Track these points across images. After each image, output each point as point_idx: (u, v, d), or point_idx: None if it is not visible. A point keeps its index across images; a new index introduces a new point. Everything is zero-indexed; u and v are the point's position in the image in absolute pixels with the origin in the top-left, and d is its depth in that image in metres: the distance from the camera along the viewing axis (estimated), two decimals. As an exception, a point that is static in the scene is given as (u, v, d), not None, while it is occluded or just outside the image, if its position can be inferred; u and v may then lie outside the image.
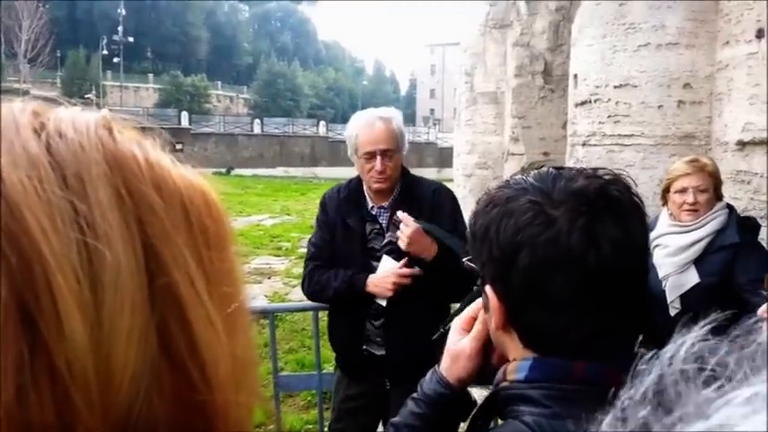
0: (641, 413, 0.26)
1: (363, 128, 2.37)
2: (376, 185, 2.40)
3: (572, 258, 0.75)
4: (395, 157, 2.36)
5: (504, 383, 0.82)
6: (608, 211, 0.77)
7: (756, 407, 0.22)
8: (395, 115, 2.43)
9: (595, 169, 0.84)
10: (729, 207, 2.54)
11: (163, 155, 0.35)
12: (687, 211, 2.50)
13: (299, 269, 9.31)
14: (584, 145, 3.59)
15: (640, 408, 0.26)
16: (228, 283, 0.35)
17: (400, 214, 2.29)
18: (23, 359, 0.26)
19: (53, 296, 0.27)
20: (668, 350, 0.29)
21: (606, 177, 0.82)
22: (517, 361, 0.82)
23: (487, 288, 0.83)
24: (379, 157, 2.34)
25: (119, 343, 0.29)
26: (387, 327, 2.39)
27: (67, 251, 0.28)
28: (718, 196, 2.54)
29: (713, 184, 2.50)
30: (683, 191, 2.50)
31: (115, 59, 54.76)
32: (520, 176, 0.85)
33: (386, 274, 2.34)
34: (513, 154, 6.69)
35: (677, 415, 0.25)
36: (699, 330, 0.29)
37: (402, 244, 2.28)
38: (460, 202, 2.66)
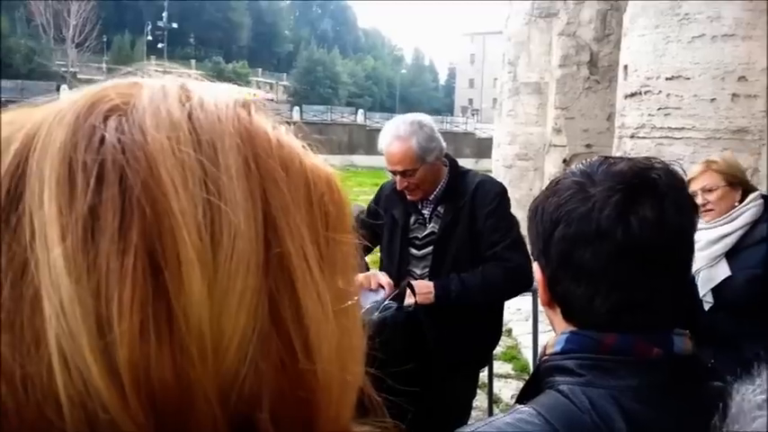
0: None
1: (384, 147, 2.41)
2: (408, 196, 2.48)
3: (601, 233, 0.80)
4: (417, 172, 2.38)
5: (545, 357, 0.88)
6: (643, 191, 0.81)
7: None
8: (415, 130, 2.36)
9: (648, 158, 0.88)
10: (766, 198, 2.48)
11: (295, 140, 0.38)
12: (702, 212, 2.46)
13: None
14: (632, 137, 3.53)
15: None
16: (342, 267, 0.37)
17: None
18: (147, 297, 0.29)
19: (177, 248, 0.30)
20: None
21: (651, 164, 0.85)
22: (556, 336, 0.88)
23: (535, 265, 0.90)
24: (398, 176, 2.41)
25: (231, 303, 0.30)
26: (438, 329, 2.39)
27: (194, 209, 0.30)
28: (744, 188, 2.47)
29: (724, 180, 2.44)
30: (694, 194, 2.47)
31: (159, 45, 55.66)
32: (575, 165, 0.91)
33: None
34: (554, 145, 6.61)
35: None
36: None
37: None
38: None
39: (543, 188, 0.93)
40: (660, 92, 3.34)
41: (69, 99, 0.34)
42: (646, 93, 3.42)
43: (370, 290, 2.35)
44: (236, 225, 0.31)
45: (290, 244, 0.33)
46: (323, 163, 0.38)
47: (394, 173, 2.43)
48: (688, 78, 3.24)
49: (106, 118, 0.32)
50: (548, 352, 0.88)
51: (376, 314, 2.24)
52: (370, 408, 0.41)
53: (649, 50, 3.37)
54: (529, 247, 0.92)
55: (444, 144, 2.46)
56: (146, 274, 0.29)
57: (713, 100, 3.19)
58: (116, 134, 0.31)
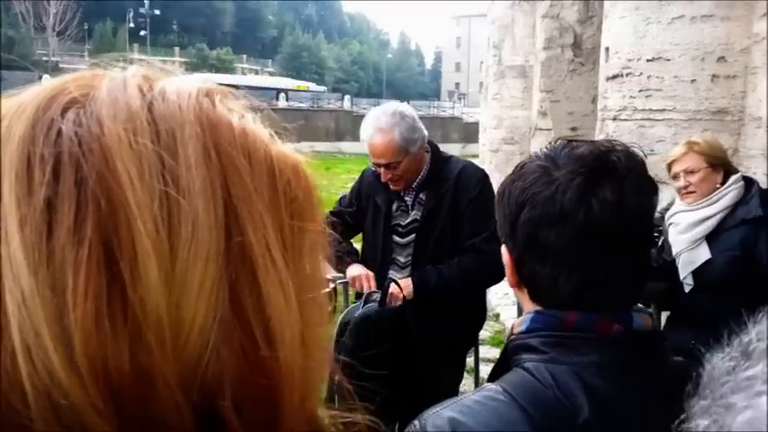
0: None
1: (366, 139, 2.39)
2: (392, 187, 2.46)
3: (564, 215, 0.83)
4: (401, 164, 2.37)
5: (512, 336, 0.91)
6: (603, 173, 0.84)
7: None
8: (397, 122, 2.33)
9: (609, 141, 0.90)
10: (747, 180, 2.49)
11: (262, 129, 0.38)
12: (685, 194, 2.48)
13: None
14: (614, 119, 3.55)
15: None
16: (309, 254, 0.37)
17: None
18: (101, 288, 0.29)
19: (133, 239, 0.30)
20: None
21: (611, 146, 0.88)
22: (523, 316, 0.91)
23: (503, 247, 0.93)
24: (382, 169, 2.40)
25: (190, 292, 0.31)
26: (420, 319, 2.40)
27: (150, 200, 0.31)
28: (725, 170, 2.48)
29: (706, 161, 2.44)
30: (676, 176, 2.49)
31: (142, 32, 55.03)
32: (539, 149, 0.94)
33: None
34: (540, 129, 6.62)
35: None
36: None
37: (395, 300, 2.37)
38: (487, 177, 2.65)
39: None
40: (641, 74, 3.36)
41: (31, 92, 0.35)
42: (627, 75, 3.43)
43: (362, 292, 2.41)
44: (195, 216, 0.31)
45: (252, 233, 0.33)
46: (290, 151, 0.39)
47: (377, 165, 2.41)
48: (668, 60, 3.25)
49: (64, 111, 0.32)
50: (515, 331, 0.91)
51: (359, 311, 2.27)
52: (340, 394, 0.41)
53: (630, 32, 3.38)
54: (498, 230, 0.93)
55: (426, 132, 2.45)
56: (100, 265, 0.29)
57: (693, 81, 3.21)
58: (73, 127, 0.31)
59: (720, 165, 2.48)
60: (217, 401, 0.32)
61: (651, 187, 0.88)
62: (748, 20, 3.10)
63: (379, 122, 2.34)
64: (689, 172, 2.45)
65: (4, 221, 0.30)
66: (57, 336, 0.29)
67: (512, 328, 0.93)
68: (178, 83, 0.36)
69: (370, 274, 2.46)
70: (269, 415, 0.34)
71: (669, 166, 2.52)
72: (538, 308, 0.89)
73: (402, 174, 2.40)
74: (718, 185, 2.46)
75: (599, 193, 0.82)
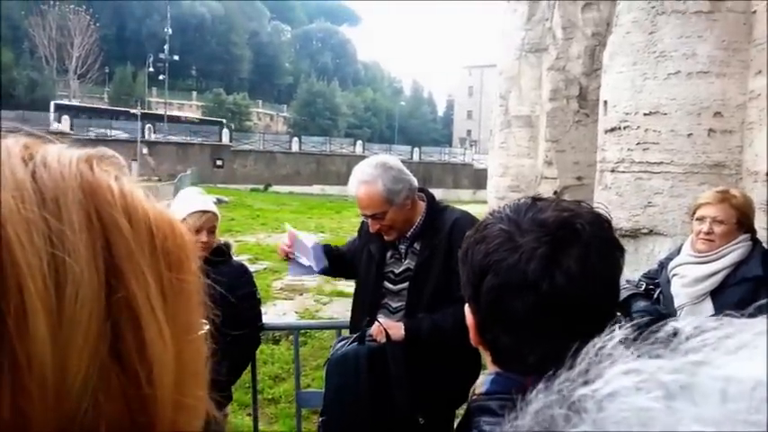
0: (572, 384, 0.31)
1: (353, 192, 2.42)
2: (385, 237, 2.48)
3: (528, 284, 0.81)
4: (387, 215, 2.38)
5: (474, 397, 0.90)
6: (567, 242, 0.82)
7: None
8: (380, 173, 2.35)
9: (577, 202, 0.89)
10: (753, 239, 2.49)
11: (137, 188, 0.40)
12: (702, 240, 2.47)
13: (330, 286, 9.44)
14: (612, 171, 3.59)
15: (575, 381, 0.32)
16: (185, 303, 0.40)
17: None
18: None
19: (23, 297, 0.32)
20: (596, 342, 0.34)
21: (576, 210, 0.86)
22: (484, 376, 0.90)
23: (466, 307, 0.91)
24: (369, 220, 2.43)
25: (75, 345, 0.33)
26: (414, 371, 2.37)
27: (39, 261, 0.33)
28: (746, 229, 2.48)
29: (736, 217, 2.44)
30: (701, 219, 2.48)
31: (161, 77, 56.25)
32: (501, 206, 0.93)
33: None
34: (546, 178, 6.67)
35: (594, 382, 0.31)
36: (625, 328, 0.35)
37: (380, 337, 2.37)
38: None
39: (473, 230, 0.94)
40: (638, 127, 3.41)
41: None
42: (625, 128, 3.48)
43: (298, 262, 2.62)
44: (79, 275, 0.34)
45: (135, 287, 0.36)
46: (165, 208, 0.41)
47: (365, 216, 2.45)
48: (665, 114, 3.30)
49: None
50: (476, 392, 0.90)
51: (339, 350, 2.28)
52: (216, 428, 0.43)
53: (627, 87, 3.45)
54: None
55: (414, 181, 2.46)
56: None
57: (690, 135, 3.25)
58: None
59: (745, 224, 2.47)
60: None
61: (617, 252, 0.86)
62: (743, 76, 3.15)
63: (363, 175, 2.37)
64: (718, 221, 2.43)
65: None
66: None
67: (473, 389, 0.92)
68: (58, 151, 0.38)
69: (283, 241, 2.68)
70: None
71: (697, 207, 2.51)
72: (498, 369, 0.88)
73: (390, 224, 2.41)
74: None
75: (563, 262, 0.80)
